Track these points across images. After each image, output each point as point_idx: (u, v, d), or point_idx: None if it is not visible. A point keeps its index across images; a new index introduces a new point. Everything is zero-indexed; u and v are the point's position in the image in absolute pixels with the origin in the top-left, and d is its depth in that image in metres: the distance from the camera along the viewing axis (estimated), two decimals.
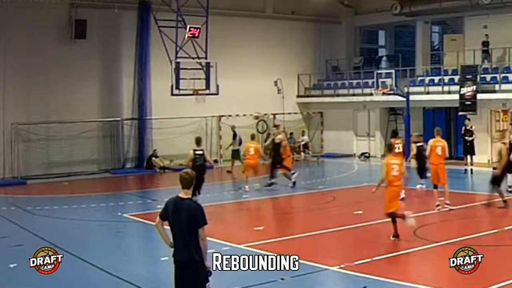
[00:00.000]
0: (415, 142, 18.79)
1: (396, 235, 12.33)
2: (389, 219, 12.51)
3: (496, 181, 15.84)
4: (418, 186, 18.91)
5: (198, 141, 16.90)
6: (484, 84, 25.53)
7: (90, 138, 26.24)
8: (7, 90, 24.26)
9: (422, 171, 18.56)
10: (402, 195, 17.25)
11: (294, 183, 20.43)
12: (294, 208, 17.47)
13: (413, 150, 18.72)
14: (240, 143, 25.80)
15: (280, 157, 20.39)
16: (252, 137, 21.07)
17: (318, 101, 32.16)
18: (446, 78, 27.37)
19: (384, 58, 34.62)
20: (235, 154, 26.08)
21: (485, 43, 26.66)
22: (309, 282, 9.85)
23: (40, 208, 17.68)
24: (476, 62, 26.07)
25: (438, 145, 16.01)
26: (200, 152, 16.53)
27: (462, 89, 25.47)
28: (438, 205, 15.61)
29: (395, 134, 18.27)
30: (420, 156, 18.38)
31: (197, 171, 16.61)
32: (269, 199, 19.06)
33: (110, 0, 26.20)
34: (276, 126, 22.81)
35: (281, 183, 20.38)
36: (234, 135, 26.61)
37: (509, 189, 17.46)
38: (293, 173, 20.60)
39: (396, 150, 17.32)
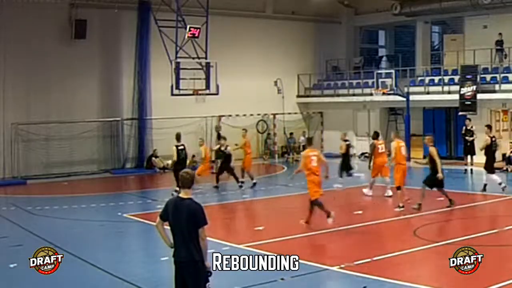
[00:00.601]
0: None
1: (307, 222, 13.80)
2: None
3: (440, 183, 15.77)
4: (336, 186, 19.45)
5: (178, 137, 18.49)
6: (484, 84, 25.53)
7: (90, 138, 26.24)
8: (7, 90, 24.26)
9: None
10: (389, 193, 17.44)
11: (254, 183, 20.46)
12: (294, 208, 17.44)
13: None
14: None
15: (226, 166, 20.33)
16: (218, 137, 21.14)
17: (318, 101, 32.16)
18: (446, 78, 27.37)
19: (384, 58, 34.64)
20: (220, 155, 25.83)
21: (499, 42, 26.54)
22: (309, 282, 9.85)
23: (40, 208, 17.68)
24: (476, 62, 26.06)
25: (401, 145, 16.58)
26: (182, 147, 18.18)
27: (462, 89, 25.48)
28: (402, 206, 15.73)
29: (377, 135, 18.38)
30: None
31: (182, 164, 17.26)
32: (269, 199, 19.08)
33: (110, 0, 26.21)
34: (244, 130, 22.47)
35: (281, 183, 20.37)
36: (219, 136, 26.19)
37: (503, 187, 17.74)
38: (254, 183, 20.53)
39: (380, 151, 17.71)
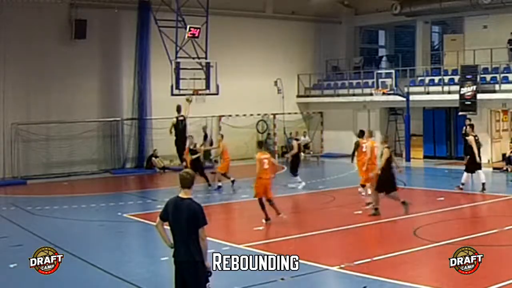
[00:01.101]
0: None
1: (267, 219, 14.38)
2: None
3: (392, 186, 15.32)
4: (299, 186, 19.68)
5: (178, 108, 19.71)
6: (484, 84, 25.53)
7: (90, 138, 26.25)
8: (7, 90, 24.26)
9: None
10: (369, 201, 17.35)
11: (219, 187, 20.38)
12: (294, 208, 17.45)
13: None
14: (211, 144, 25.42)
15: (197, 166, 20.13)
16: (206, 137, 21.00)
17: (318, 101, 32.16)
18: (446, 78, 27.37)
19: (384, 58, 34.63)
20: (207, 155, 25.80)
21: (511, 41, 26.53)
22: (309, 282, 9.85)
23: (40, 208, 17.68)
24: (476, 62, 26.06)
25: (375, 146, 16.72)
26: (182, 118, 19.31)
27: (462, 89, 25.48)
28: (370, 203, 15.79)
29: (362, 133, 18.45)
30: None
31: (181, 136, 18.42)
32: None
33: (110, 0, 26.20)
34: (221, 136, 22.34)
35: (281, 182, 20.35)
36: (205, 136, 26.13)
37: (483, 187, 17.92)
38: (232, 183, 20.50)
39: (363, 149, 17.65)
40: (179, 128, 19.37)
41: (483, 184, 18.21)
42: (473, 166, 18.13)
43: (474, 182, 18.82)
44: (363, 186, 16.92)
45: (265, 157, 14.61)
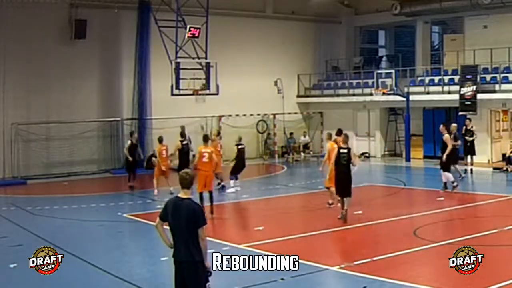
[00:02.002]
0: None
1: (211, 212, 15.04)
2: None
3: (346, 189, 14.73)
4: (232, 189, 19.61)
5: (182, 133, 20.26)
6: (484, 84, 25.53)
7: (90, 138, 26.25)
8: (7, 90, 24.26)
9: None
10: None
11: (223, 186, 20.25)
12: (294, 208, 17.46)
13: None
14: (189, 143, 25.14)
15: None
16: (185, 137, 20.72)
17: (318, 101, 32.15)
18: (446, 78, 27.36)
19: (384, 58, 34.59)
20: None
21: None
22: (309, 282, 9.85)
23: (40, 208, 17.68)
24: (476, 62, 26.06)
25: (335, 147, 16.17)
26: (185, 142, 19.90)
27: (462, 89, 25.48)
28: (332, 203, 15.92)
29: (340, 132, 18.39)
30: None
31: (185, 158, 19.23)
32: (269, 199, 19.07)
33: (110, 0, 26.20)
34: (218, 132, 22.00)
35: (280, 182, 20.35)
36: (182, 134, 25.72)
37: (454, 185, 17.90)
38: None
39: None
40: (183, 151, 19.70)
41: (445, 183, 18.19)
42: (449, 163, 18.12)
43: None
44: (328, 188, 16.14)
45: (205, 151, 15.43)
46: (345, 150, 14.14)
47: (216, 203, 17.88)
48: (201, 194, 15.24)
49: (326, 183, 15.93)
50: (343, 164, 14.09)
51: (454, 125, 21.41)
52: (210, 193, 15.54)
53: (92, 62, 26.38)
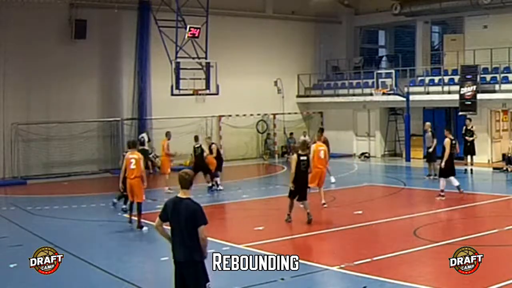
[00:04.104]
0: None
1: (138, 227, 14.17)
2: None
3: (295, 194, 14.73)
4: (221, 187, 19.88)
5: (196, 138, 20.41)
6: (484, 84, 25.53)
7: (90, 138, 26.25)
8: (7, 90, 24.27)
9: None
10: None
11: (214, 184, 20.17)
12: (294, 208, 17.44)
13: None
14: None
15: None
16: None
17: (318, 101, 32.15)
18: (446, 78, 27.37)
19: (384, 58, 34.62)
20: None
21: None
22: (309, 282, 9.85)
23: (40, 208, 17.68)
24: (476, 62, 26.06)
25: (320, 149, 16.70)
26: (198, 145, 20.09)
27: (462, 89, 25.48)
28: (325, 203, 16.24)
29: (322, 131, 18.51)
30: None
31: (199, 160, 19.60)
32: (269, 199, 19.07)
33: (110, 0, 26.21)
34: (209, 137, 22.05)
35: (280, 182, 20.37)
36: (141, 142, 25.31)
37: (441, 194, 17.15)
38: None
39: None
40: (196, 154, 20.17)
41: (457, 186, 17.52)
42: (449, 171, 17.21)
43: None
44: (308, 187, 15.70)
45: (133, 157, 14.17)
46: (305, 158, 14.62)
47: (216, 203, 17.91)
48: (131, 203, 14.58)
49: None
50: (302, 171, 14.52)
51: (428, 123, 22.02)
52: (138, 204, 14.27)
53: (92, 62, 26.37)
